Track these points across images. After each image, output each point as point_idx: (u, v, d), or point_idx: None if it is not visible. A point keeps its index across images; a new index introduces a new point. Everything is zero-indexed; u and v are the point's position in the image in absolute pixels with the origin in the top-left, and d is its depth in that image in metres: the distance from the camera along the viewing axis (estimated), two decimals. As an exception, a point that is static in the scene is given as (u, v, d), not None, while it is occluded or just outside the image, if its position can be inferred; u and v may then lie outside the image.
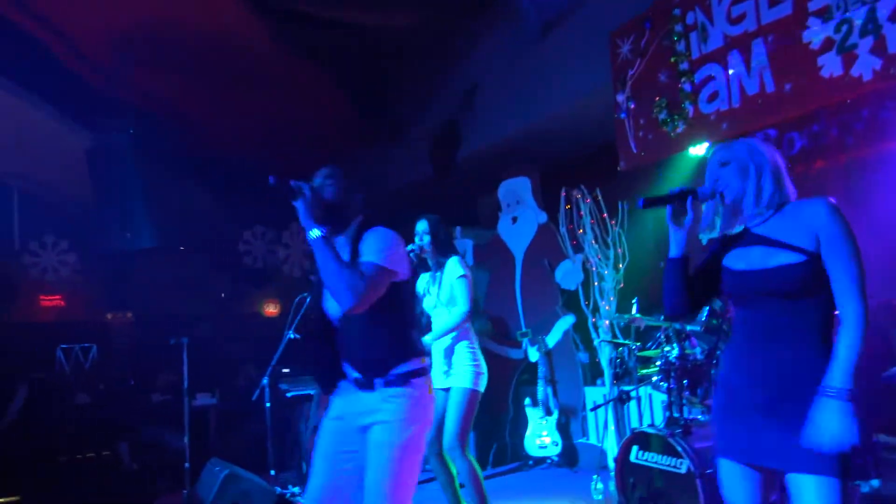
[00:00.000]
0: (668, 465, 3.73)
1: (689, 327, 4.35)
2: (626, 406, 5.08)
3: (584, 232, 6.24)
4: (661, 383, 4.21)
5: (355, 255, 2.57)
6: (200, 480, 5.51)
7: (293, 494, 5.57)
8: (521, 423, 6.56)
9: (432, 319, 4.00)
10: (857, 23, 3.76)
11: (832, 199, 2.00)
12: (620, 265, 6.04)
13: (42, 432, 6.31)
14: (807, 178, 4.90)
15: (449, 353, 3.87)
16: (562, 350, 6.62)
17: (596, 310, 6.18)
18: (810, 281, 1.96)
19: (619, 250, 6.05)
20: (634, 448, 3.95)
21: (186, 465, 5.81)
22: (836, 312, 1.98)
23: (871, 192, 4.60)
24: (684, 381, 4.09)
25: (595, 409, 5.58)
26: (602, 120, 5.48)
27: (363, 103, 7.06)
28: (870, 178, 4.58)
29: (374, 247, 2.54)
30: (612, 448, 5.12)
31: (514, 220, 7.17)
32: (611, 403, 5.04)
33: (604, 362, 6.04)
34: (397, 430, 2.52)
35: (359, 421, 2.58)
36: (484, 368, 3.89)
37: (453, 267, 3.88)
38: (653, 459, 3.83)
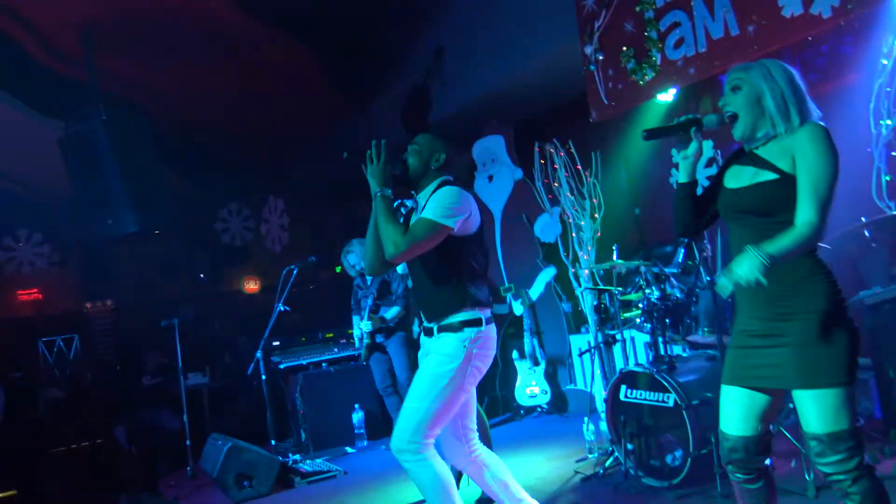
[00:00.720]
0: (656, 401, 3.89)
1: (667, 269, 4.49)
2: (611, 350, 5.25)
3: (560, 185, 6.35)
4: (645, 324, 4.37)
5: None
6: (203, 455, 5.61)
7: (295, 462, 5.69)
8: (510, 375, 6.74)
9: None
10: (815, -39, 3.86)
11: (821, 123, 2.07)
12: (597, 215, 6.18)
13: (30, 428, 6.30)
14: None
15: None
16: (545, 302, 6.78)
17: (576, 260, 6.34)
18: (784, 198, 2.04)
19: (595, 200, 6.18)
20: (623, 387, 4.11)
21: (188, 442, 5.90)
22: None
23: (833, 125, 4.74)
24: (666, 321, 4.25)
25: (581, 354, 5.75)
26: (571, 73, 5.55)
27: (334, 73, 7.03)
28: (832, 113, 4.72)
29: (433, 203, 2.82)
30: (599, 392, 5.29)
31: (491, 178, 7.26)
32: (596, 349, 5.20)
33: (587, 310, 6.21)
34: (437, 363, 2.82)
35: (422, 362, 2.94)
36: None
37: None
38: (641, 396, 3.99)
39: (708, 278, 3.99)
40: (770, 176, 2.08)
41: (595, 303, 5.37)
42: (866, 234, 3.62)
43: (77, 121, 5.97)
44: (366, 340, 5.80)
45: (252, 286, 9.25)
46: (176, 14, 5.76)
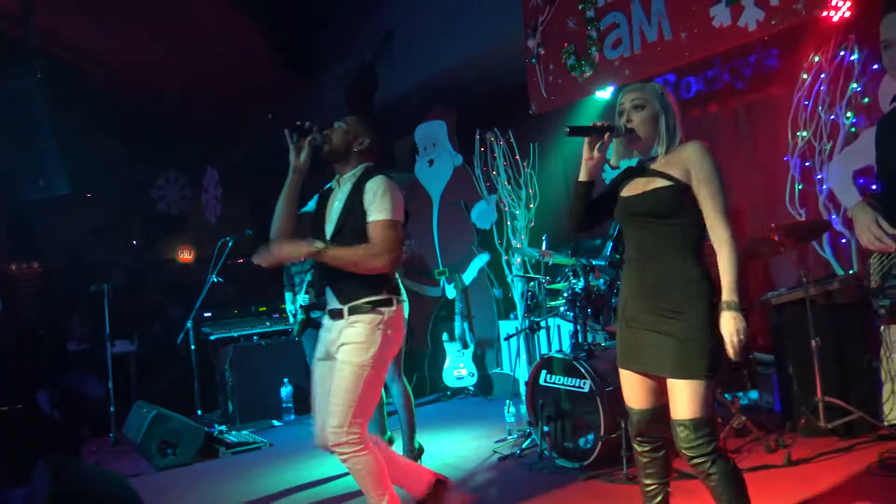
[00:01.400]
0: (573, 386, 4.07)
1: (594, 262, 4.68)
2: (536, 336, 5.43)
3: (498, 173, 6.50)
4: (568, 313, 4.55)
5: (356, 194, 2.90)
6: (127, 423, 5.58)
7: (220, 432, 5.72)
8: (439, 357, 6.88)
9: None
10: (744, -24, 4.07)
11: (704, 143, 2.31)
12: (532, 205, 6.35)
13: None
14: (702, 121, 5.28)
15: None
16: (477, 287, 6.94)
17: (509, 247, 6.50)
18: (675, 203, 2.26)
19: (531, 191, 6.35)
20: (543, 372, 4.28)
21: (112, 409, 5.86)
22: (708, 243, 2.30)
23: (755, 134, 5.01)
24: (588, 310, 4.43)
25: (508, 338, 5.92)
26: (515, 64, 5.67)
27: (279, 46, 6.98)
28: (756, 122, 4.99)
29: (380, 204, 2.84)
30: (523, 376, 5.48)
31: (431, 162, 7.35)
32: (522, 334, 5.38)
33: (516, 296, 6.39)
34: (354, 353, 2.84)
35: (333, 348, 2.92)
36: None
37: None
38: (559, 381, 4.17)
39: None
40: (663, 183, 2.29)
41: (524, 290, 5.54)
42: (776, 238, 3.87)
43: (10, 78, 5.78)
44: (300, 316, 5.83)
45: (186, 256, 9.14)
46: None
